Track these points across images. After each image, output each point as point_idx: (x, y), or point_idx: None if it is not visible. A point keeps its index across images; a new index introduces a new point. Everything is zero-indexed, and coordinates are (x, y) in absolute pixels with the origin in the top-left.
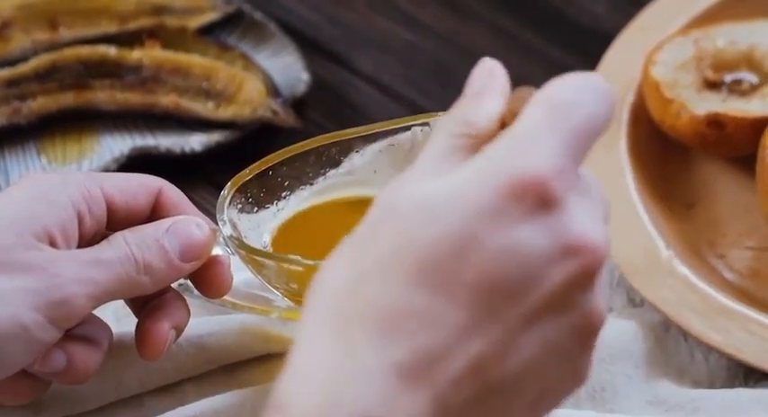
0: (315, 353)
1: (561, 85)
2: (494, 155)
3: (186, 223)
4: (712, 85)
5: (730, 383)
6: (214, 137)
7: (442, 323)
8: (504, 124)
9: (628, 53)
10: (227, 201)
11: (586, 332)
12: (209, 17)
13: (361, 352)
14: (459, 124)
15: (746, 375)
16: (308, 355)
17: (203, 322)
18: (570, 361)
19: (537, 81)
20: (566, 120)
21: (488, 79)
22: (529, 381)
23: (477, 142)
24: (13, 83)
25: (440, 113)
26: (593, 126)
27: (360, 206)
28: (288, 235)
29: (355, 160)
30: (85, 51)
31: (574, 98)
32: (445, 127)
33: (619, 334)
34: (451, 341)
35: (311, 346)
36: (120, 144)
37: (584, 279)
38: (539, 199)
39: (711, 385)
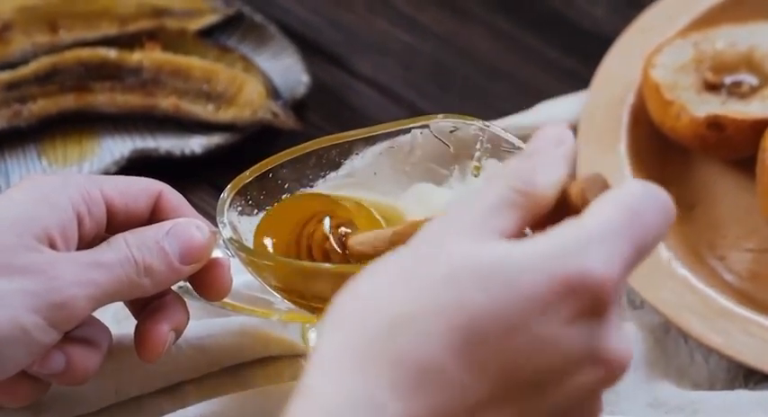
0: (333, 382)
1: (637, 193)
2: (563, 243)
3: (186, 225)
4: (712, 87)
5: (730, 385)
6: (214, 140)
7: (467, 393)
8: (564, 197)
9: (627, 55)
10: (228, 203)
11: None
12: (209, 19)
13: (382, 397)
14: (519, 180)
15: (746, 377)
16: (326, 382)
17: (203, 324)
18: None
19: (537, 83)
20: (637, 232)
21: (557, 144)
22: None
23: (533, 205)
24: (13, 85)
25: (439, 115)
26: (655, 242)
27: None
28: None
29: (355, 162)
30: (86, 54)
31: (648, 211)
32: (506, 177)
33: None
34: (469, 413)
35: (331, 373)
36: (121, 146)
37: (603, 387)
38: (592, 303)
39: (711, 387)
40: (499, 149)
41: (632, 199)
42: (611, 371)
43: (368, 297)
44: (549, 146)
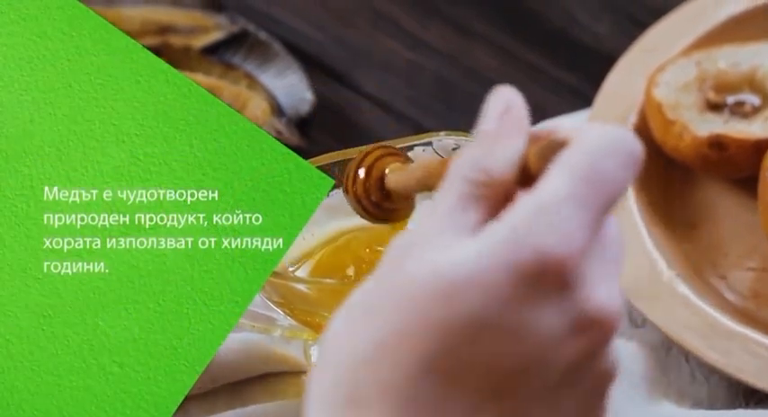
0: None
1: (593, 148)
2: (513, 226)
3: None
4: (714, 107)
5: (731, 404)
6: None
7: (450, 409)
8: (526, 167)
9: (630, 74)
10: None
11: (599, 393)
12: (214, 36)
13: None
14: (475, 170)
15: (747, 395)
16: None
17: None
18: None
19: (540, 101)
20: (596, 195)
21: (506, 115)
22: None
23: (495, 190)
24: None
25: (441, 133)
26: (619, 194)
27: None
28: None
29: None
30: None
31: (606, 168)
32: (461, 170)
33: (620, 355)
34: None
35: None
36: None
37: (597, 348)
38: (558, 283)
39: (712, 406)
40: None
41: (588, 157)
42: (601, 331)
43: (341, 335)
44: (497, 119)
